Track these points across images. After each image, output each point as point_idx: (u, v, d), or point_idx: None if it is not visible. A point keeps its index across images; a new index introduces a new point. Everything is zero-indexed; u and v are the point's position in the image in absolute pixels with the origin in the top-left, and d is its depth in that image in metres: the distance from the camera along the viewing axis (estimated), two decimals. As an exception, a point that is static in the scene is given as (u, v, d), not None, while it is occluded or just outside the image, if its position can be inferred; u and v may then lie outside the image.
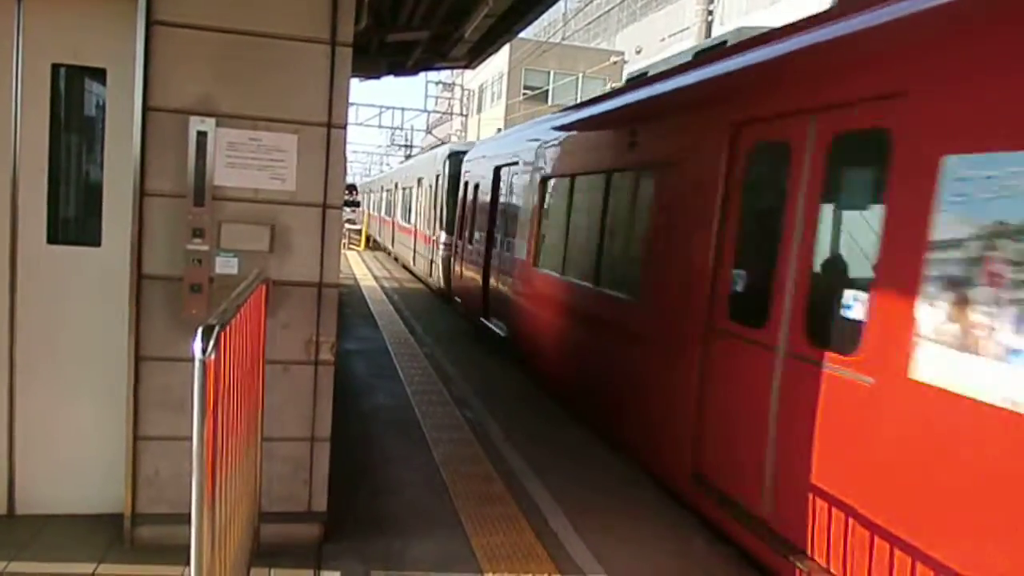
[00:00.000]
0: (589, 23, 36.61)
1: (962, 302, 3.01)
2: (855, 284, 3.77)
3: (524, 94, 34.61)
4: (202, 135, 3.66)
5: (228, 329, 2.37)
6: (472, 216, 12.46)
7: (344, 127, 3.87)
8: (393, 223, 25.92)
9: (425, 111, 40.62)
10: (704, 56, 6.03)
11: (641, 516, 4.75)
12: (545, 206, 8.68)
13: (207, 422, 2.12)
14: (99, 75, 3.84)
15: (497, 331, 9.92)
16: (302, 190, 3.81)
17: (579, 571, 3.96)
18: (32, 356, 3.88)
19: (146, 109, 3.63)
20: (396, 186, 26.09)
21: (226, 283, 3.61)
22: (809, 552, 3.77)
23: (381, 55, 8.81)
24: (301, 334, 3.88)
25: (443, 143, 25.14)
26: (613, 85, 26.38)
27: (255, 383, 3.37)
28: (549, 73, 34.65)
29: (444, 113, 42.21)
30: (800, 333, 3.99)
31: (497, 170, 10.93)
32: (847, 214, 4.22)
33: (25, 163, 3.79)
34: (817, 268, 4.05)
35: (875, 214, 3.59)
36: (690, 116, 5.52)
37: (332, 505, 4.04)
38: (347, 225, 32.42)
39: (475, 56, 9.26)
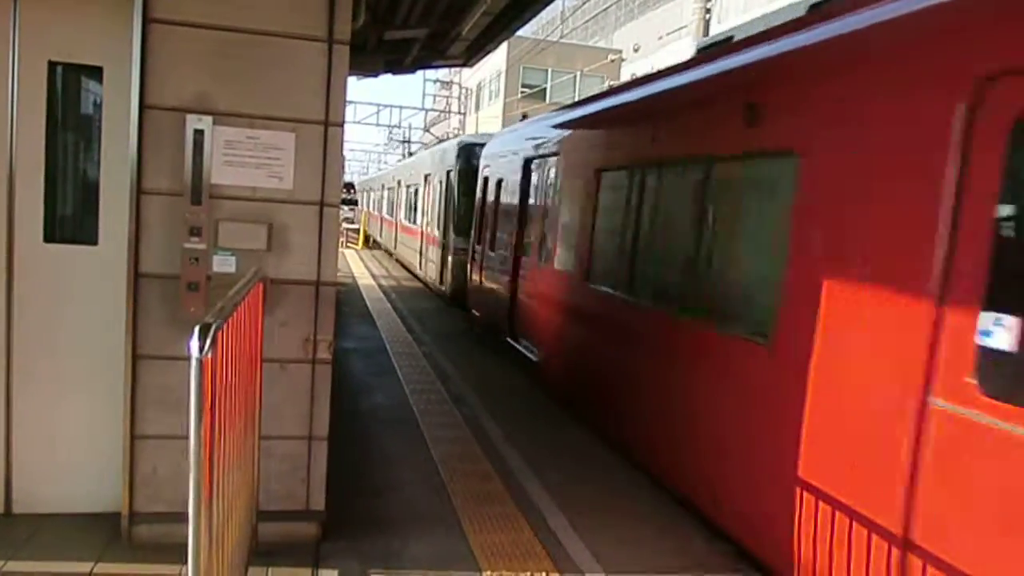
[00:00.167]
0: (587, 21, 36.56)
1: None
2: None
3: (522, 92, 34.58)
4: (199, 133, 3.65)
5: (225, 328, 2.37)
6: (494, 218, 10.72)
7: (341, 125, 3.86)
8: (396, 224, 24.13)
9: (423, 109, 40.58)
10: None
11: (640, 515, 4.75)
12: (602, 207, 6.85)
13: (204, 421, 2.11)
14: (96, 73, 3.83)
15: (527, 354, 8.55)
16: (299, 188, 3.81)
17: (578, 570, 3.96)
18: (29, 355, 3.87)
19: (143, 107, 3.62)
20: (399, 184, 24.22)
21: (223, 281, 3.60)
22: None
23: (379, 53, 8.80)
24: (299, 332, 3.87)
25: (440, 141, 23.59)
26: (611, 83, 26.38)
27: (252, 382, 3.37)
28: (547, 71, 34.63)
29: (442, 111, 42.17)
30: None
31: (528, 164, 9.33)
32: None
33: (21, 161, 3.78)
34: None
35: None
36: (890, 71, 3.57)
37: (330, 504, 4.04)
38: (345, 224, 32.32)
39: (473, 54, 9.25)
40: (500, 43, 8.78)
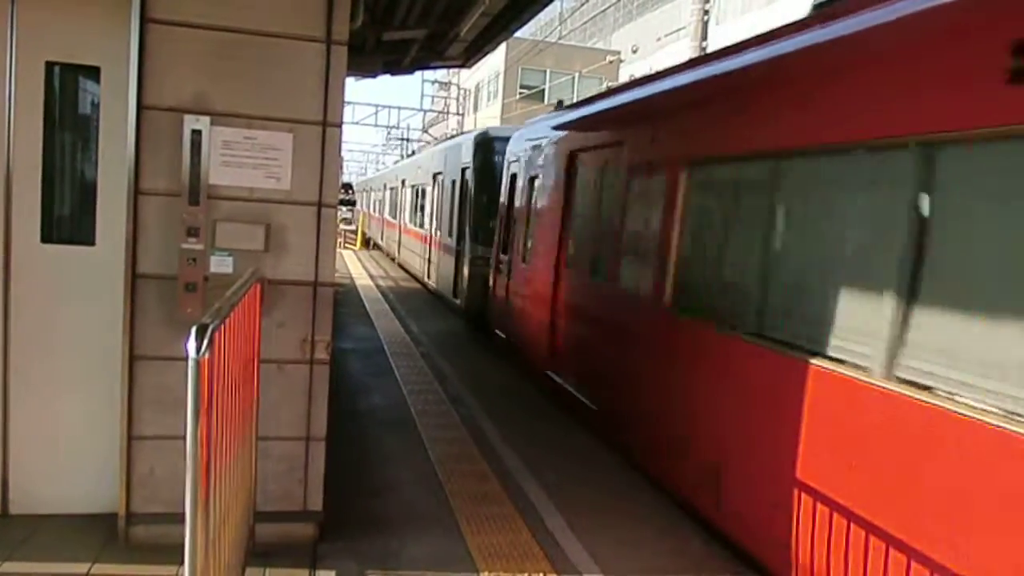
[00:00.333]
0: (585, 22, 36.62)
1: None
2: None
3: (520, 93, 34.61)
4: (197, 133, 3.65)
5: (222, 328, 2.36)
6: (527, 223, 8.98)
7: (340, 126, 3.86)
8: (400, 227, 22.21)
9: (421, 110, 40.59)
10: None
11: (638, 516, 4.75)
12: (698, 210, 5.19)
13: (201, 421, 2.11)
14: (93, 73, 3.83)
15: (578, 396, 6.80)
16: (297, 189, 3.81)
17: (575, 571, 3.96)
18: (26, 356, 3.86)
19: (140, 107, 3.61)
20: (403, 183, 22.28)
21: (221, 282, 3.59)
22: None
23: (377, 54, 8.81)
24: (296, 333, 3.87)
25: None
26: (609, 84, 26.37)
27: (250, 382, 3.37)
28: (545, 72, 34.65)
29: (440, 112, 42.17)
30: None
31: (573, 158, 7.67)
32: None
33: (19, 162, 3.77)
34: None
35: None
36: None
37: (328, 504, 4.03)
38: (343, 225, 32.21)
39: (471, 55, 9.26)
40: (498, 44, 8.80)
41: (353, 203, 39.82)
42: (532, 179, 9.02)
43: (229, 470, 2.72)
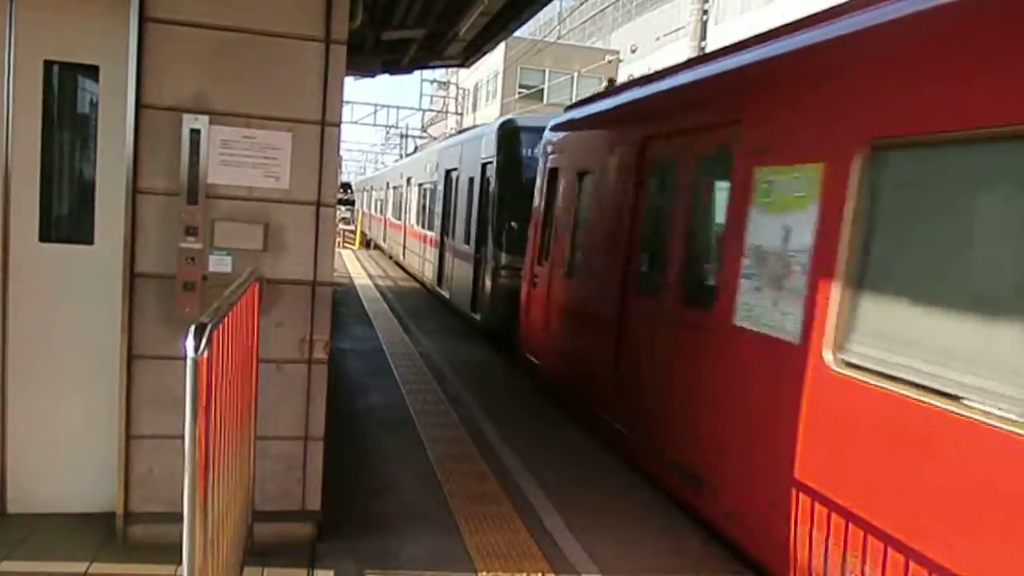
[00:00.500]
0: (584, 22, 36.61)
1: None
2: None
3: (519, 93, 34.60)
4: (195, 133, 3.65)
5: (221, 328, 2.36)
6: (573, 230, 7.32)
7: (338, 125, 3.86)
8: (404, 228, 20.60)
9: (420, 110, 40.58)
10: None
11: (637, 516, 4.75)
12: (906, 221, 3.43)
13: (200, 421, 2.11)
14: (92, 72, 3.83)
15: (677, 476, 5.00)
16: (296, 188, 3.80)
17: (574, 571, 3.96)
18: (24, 355, 3.86)
19: (139, 106, 3.61)
20: (408, 182, 20.43)
21: (219, 281, 3.59)
22: None
23: (376, 53, 8.80)
24: (295, 333, 3.87)
25: (447, 136, 20.10)
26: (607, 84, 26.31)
27: (248, 382, 3.36)
28: (544, 72, 34.65)
29: (439, 112, 42.16)
30: None
31: (644, 148, 5.89)
32: None
33: (17, 161, 3.77)
34: None
35: None
36: None
37: (326, 504, 4.03)
38: (341, 224, 32.13)
39: (470, 54, 9.25)
40: (497, 44, 8.79)
41: (352, 203, 39.79)
42: (581, 174, 7.23)
43: (227, 469, 2.72)
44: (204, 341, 2.11)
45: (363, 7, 4.46)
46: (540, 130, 9.33)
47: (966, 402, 2.93)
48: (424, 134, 39.94)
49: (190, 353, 2.09)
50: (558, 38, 31.93)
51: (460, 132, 16.78)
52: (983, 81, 3.01)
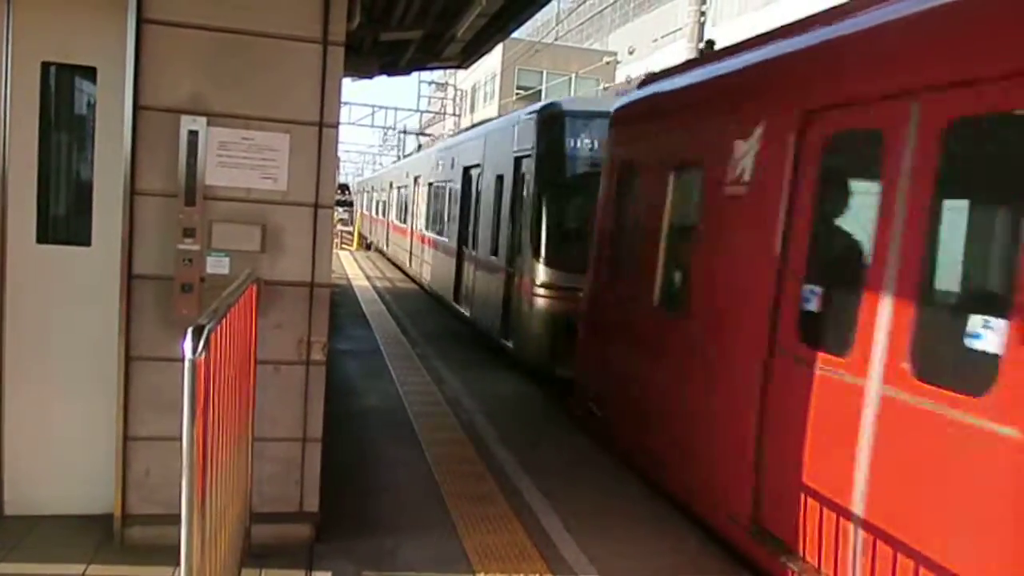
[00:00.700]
0: (582, 23, 36.63)
1: None
2: None
3: (517, 94, 34.62)
4: (193, 134, 3.65)
5: (219, 329, 2.36)
6: (667, 246, 5.47)
7: (336, 126, 3.86)
8: (411, 234, 18.51)
9: (418, 111, 40.60)
10: None
11: (635, 517, 4.75)
12: None
13: (197, 422, 2.11)
14: (89, 74, 3.82)
15: None
16: (294, 189, 3.80)
17: (571, 571, 3.96)
18: (22, 356, 3.85)
19: (137, 108, 3.61)
20: (416, 181, 18.26)
21: (217, 283, 3.59)
22: None
23: (374, 54, 8.80)
24: (293, 334, 3.86)
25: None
26: (606, 86, 26.41)
27: (246, 383, 3.36)
28: (542, 73, 34.69)
29: (437, 113, 42.19)
30: None
31: (810, 123, 4.00)
32: None
33: (14, 162, 3.76)
34: None
35: None
36: None
37: (324, 505, 4.03)
38: (340, 225, 32.06)
39: (468, 56, 9.26)
40: (495, 45, 8.80)
41: (350, 204, 39.76)
42: (680, 168, 5.38)
43: (225, 471, 2.72)
44: (202, 343, 2.11)
45: (361, 8, 4.46)
46: (592, 115, 8.09)
47: None
48: (428, 134, 39.82)
49: (188, 354, 2.09)
50: (556, 39, 31.96)
51: (481, 123, 14.17)
52: None
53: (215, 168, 3.70)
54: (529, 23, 11.17)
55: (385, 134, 45.22)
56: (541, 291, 8.44)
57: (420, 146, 30.54)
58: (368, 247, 31.57)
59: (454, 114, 40.69)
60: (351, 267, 22.14)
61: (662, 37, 26.71)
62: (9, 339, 3.83)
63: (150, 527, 3.71)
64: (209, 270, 3.72)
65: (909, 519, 3.16)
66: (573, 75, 31.87)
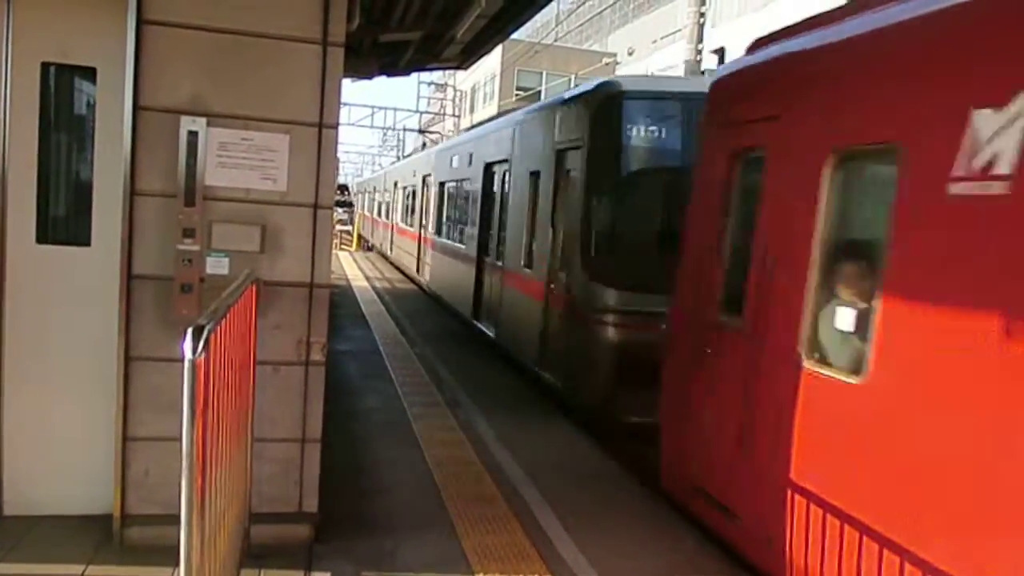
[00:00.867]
0: (581, 24, 36.64)
1: None
2: None
3: (516, 95, 34.63)
4: (193, 135, 3.65)
5: (218, 329, 2.36)
6: (815, 267, 3.64)
7: (336, 127, 3.87)
8: (420, 239, 16.61)
9: (417, 112, 40.58)
10: None
11: (633, 517, 4.76)
12: None
13: (197, 423, 2.11)
14: (89, 74, 3.83)
15: None
16: (293, 190, 3.81)
17: (570, 572, 3.96)
18: (21, 357, 3.85)
19: (136, 108, 3.61)
20: (424, 181, 16.58)
21: (217, 283, 3.59)
22: None
23: (373, 55, 8.81)
24: (292, 335, 3.87)
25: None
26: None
27: (245, 384, 3.36)
28: (542, 74, 34.71)
29: (436, 114, 42.19)
30: None
31: None
32: None
33: (14, 162, 3.76)
34: None
35: None
36: None
37: (323, 506, 4.03)
38: (339, 226, 32.01)
39: (467, 57, 9.26)
40: (495, 46, 8.80)
41: (349, 204, 39.70)
42: (848, 156, 3.62)
43: (224, 471, 2.72)
44: (201, 343, 2.12)
45: (361, 9, 4.47)
46: (661, 97, 6.76)
47: None
48: (433, 131, 39.71)
49: (187, 355, 2.09)
50: (555, 40, 31.99)
51: (508, 111, 12.21)
52: None
53: (215, 168, 3.71)
54: (529, 24, 10.93)
55: (385, 134, 45.22)
56: (596, 317, 6.71)
57: (424, 144, 29.06)
58: (368, 248, 31.47)
59: (454, 115, 40.70)
60: (350, 268, 22.14)
61: (661, 38, 26.74)
62: (9, 339, 3.83)
63: (149, 527, 3.71)
64: (209, 270, 3.72)
65: None
66: (572, 76, 31.88)
